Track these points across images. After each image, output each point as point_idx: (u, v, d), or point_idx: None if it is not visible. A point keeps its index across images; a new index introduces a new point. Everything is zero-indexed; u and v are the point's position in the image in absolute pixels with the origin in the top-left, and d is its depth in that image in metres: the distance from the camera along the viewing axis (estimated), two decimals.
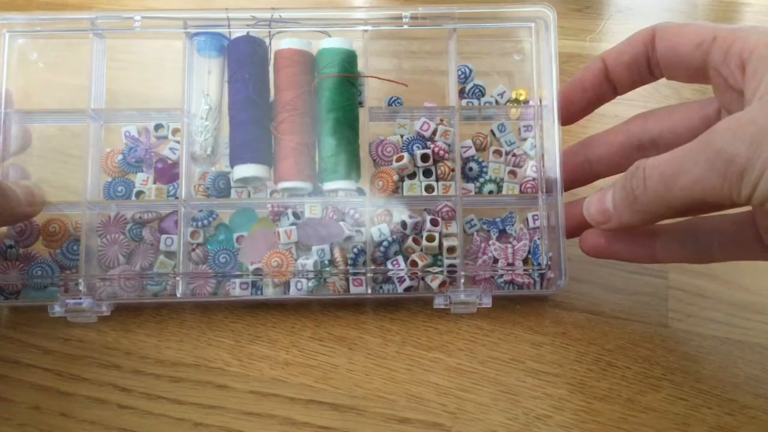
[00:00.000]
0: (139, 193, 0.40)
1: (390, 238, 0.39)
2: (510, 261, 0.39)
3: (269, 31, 0.40)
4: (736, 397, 0.35)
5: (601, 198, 0.35)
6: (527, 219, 0.40)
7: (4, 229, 0.39)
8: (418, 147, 0.40)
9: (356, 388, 0.36)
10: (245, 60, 0.39)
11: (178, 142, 0.41)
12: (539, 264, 0.39)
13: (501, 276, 0.39)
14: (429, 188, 0.40)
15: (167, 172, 0.40)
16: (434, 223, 0.39)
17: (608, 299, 0.41)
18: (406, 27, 0.41)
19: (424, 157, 0.40)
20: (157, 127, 0.41)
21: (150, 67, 0.43)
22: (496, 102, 0.42)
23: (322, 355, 0.38)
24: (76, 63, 0.41)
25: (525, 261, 0.39)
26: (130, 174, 0.41)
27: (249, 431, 0.34)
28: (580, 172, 0.39)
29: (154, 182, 0.40)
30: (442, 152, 0.40)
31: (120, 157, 0.41)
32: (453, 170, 0.40)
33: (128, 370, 0.37)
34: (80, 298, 0.38)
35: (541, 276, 0.39)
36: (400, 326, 0.39)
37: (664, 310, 0.40)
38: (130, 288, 0.39)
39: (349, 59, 0.40)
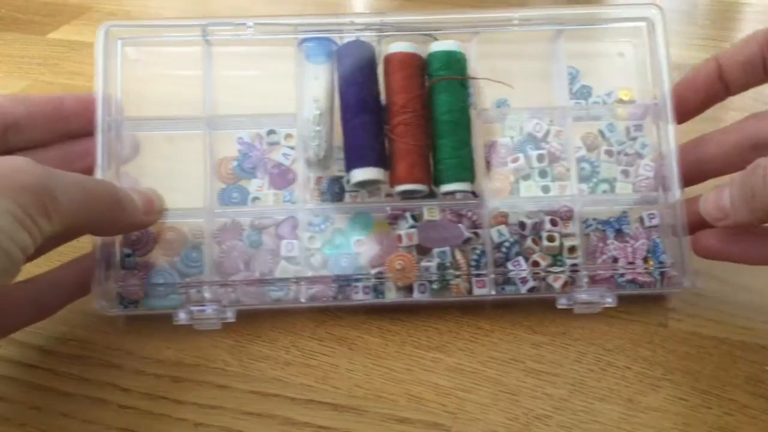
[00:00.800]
0: (255, 199, 0.40)
1: (510, 239, 0.39)
2: (630, 260, 0.39)
3: (378, 36, 0.40)
4: (736, 397, 0.35)
5: (718, 195, 0.35)
6: (642, 218, 0.40)
7: (119, 236, 0.39)
8: (530, 148, 0.41)
9: (356, 388, 0.36)
10: (356, 64, 0.40)
11: (291, 147, 0.41)
12: (661, 262, 0.39)
13: (622, 275, 0.39)
14: (545, 189, 0.40)
15: (282, 178, 0.40)
16: (554, 223, 0.39)
17: None
18: (516, 29, 0.41)
19: (540, 158, 0.40)
20: (269, 132, 0.41)
21: (256, 74, 0.43)
22: (603, 102, 0.42)
23: (322, 355, 0.38)
24: (178, 71, 0.42)
25: (645, 260, 0.39)
26: (243, 180, 0.41)
27: (249, 431, 0.34)
28: (692, 171, 0.39)
29: (269, 188, 0.41)
30: (557, 153, 0.40)
31: (235, 163, 0.41)
32: (568, 170, 0.40)
33: (129, 370, 0.37)
34: (204, 305, 0.38)
35: (662, 275, 0.39)
36: (400, 326, 0.39)
37: (664, 310, 0.40)
38: (253, 294, 0.38)
39: (460, 62, 0.40)
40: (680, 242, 0.38)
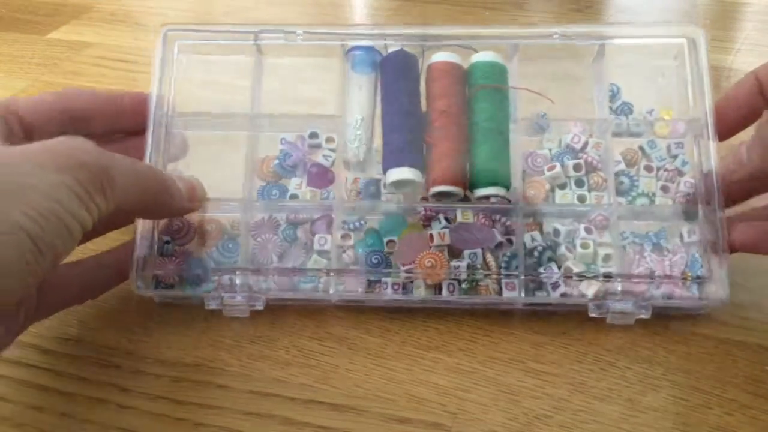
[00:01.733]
0: (293, 197, 0.41)
1: (543, 245, 0.39)
2: (668, 273, 0.38)
3: (422, 46, 0.41)
4: (736, 397, 0.35)
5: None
6: (682, 234, 0.40)
7: (159, 224, 0.40)
8: (568, 158, 0.41)
9: (356, 388, 0.36)
10: (399, 73, 0.41)
11: (332, 150, 0.42)
12: (699, 277, 0.38)
13: (659, 287, 0.38)
14: (581, 198, 0.40)
15: (320, 177, 0.41)
16: (588, 231, 0.39)
17: None
18: (557, 41, 0.42)
19: (577, 167, 0.40)
20: (311, 135, 0.42)
21: (302, 80, 0.45)
22: (645, 119, 0.42)
23: (322, 355, 0.38)
24: (228, 76, 0.44)
25: (682, 274, 0.39)
26: (284, 179, 0.42)
27: (249, 431, 0.34)
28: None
29: (307, 186, 0.41)
30: (595, 162, 0.40)
31: (276, 162, 0.42)
32: (605, 180, 0.40)
33: (128, 370, 0.37)
34: (235, 292, 0.38)
35: (700, 289, 0.38)
36: (400, 326, 0.39)
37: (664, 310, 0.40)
38: (284, 284, 0.39)
39: (501, 72, 0.41)
40: (720, 258, 0.38)
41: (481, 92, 0.40)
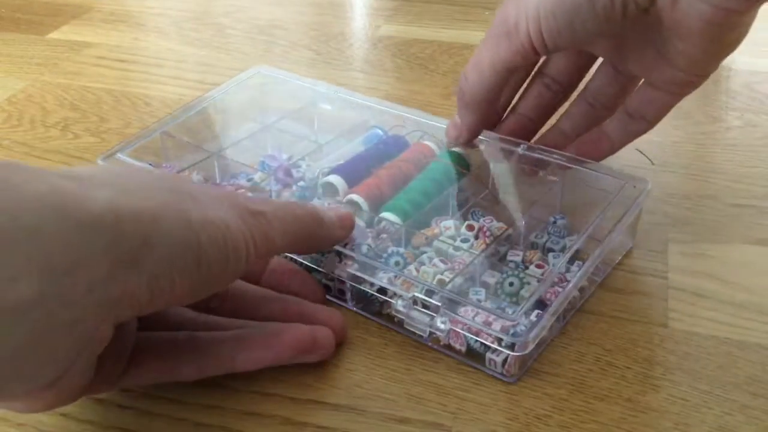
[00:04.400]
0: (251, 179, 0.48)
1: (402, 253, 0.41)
2: (487, 321, 0.36)
3: (421, 135, 0.50)
4: (736, 397, 0.35)
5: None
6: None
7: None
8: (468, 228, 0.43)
9: (356, 388, 0.36)
10: (389, 146, 0.49)
11: (306, 166, 0.49)
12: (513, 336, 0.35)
13: (471, 331, 0.36)
14: (457, 248, 0.41)
15: (284, 174, 0.48)
16: (443, 263, 0.40)
17: (608, 299, 0.41)
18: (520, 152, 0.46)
19: (469, 227, 0.43)
20: (296, 161, 0.49)
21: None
22: (569, 250, 0.42)
23: None
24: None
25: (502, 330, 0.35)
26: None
27: (249, 431, 0.34)
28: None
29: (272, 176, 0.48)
30: (487, 233, 0.42)
31: (261, 160, 0.50)
32: (488, 245, 0.41)
33: None
34: None
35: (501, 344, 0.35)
36: (400, 326, 0.39)
37: (664, 310, 0.40)
38: None
39: (461, 162, 0.47)
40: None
41: (433, 164, 0.47)
